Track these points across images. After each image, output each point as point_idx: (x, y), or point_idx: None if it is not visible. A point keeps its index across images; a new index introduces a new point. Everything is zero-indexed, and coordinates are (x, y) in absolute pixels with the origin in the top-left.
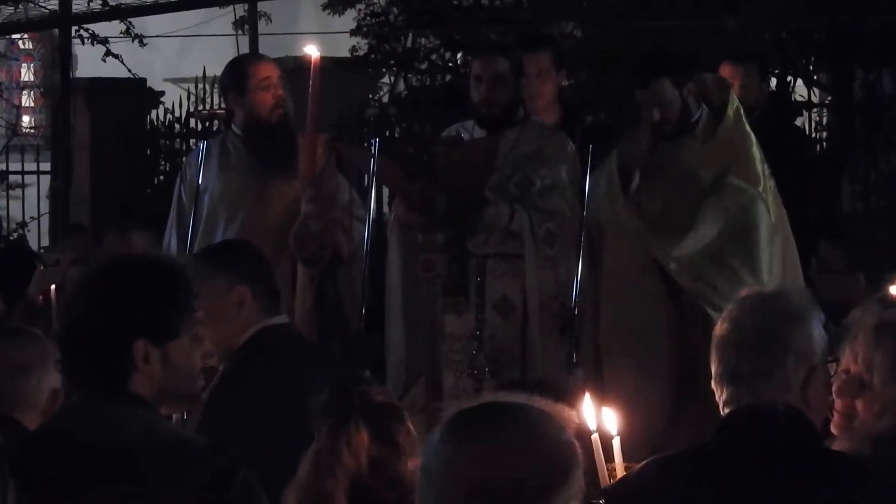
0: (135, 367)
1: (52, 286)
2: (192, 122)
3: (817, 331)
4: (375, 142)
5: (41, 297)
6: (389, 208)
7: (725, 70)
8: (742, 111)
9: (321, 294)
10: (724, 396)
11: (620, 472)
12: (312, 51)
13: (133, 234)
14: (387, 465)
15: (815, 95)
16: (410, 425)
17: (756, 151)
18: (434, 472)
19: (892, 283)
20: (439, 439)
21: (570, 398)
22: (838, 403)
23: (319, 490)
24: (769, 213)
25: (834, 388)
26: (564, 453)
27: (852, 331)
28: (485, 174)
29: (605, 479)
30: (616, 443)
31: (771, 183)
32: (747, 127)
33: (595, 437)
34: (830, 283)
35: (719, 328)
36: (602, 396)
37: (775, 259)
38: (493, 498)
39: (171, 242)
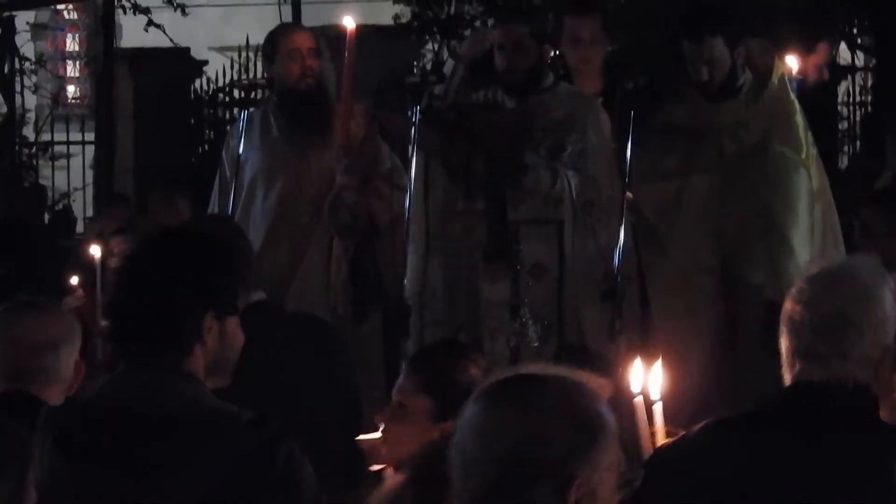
0: (200, 339)
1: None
2: (236, 91)
3: (890, 307)
4: (416, 110)
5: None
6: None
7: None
8: (787, 78)
9: (357, 264)
10: (797, 370)
11: (662, 436)
12: (349, 22)
13: (177, 197)
14: None
15: (859, 59)
16: None
17: (800, 118)
18: (463, 441)
19: None
20: (469, 409)
21: (612, 366)
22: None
23: None
24: (811, 181)
25: None
26: (593, 421)
27: None
28: (524, 139)
29: (647, 444)
30: (658, 407)
31: (814, 150)
32: (792, 94)
33: (638, 400)
34: (873, 247)
35: (791, 308)
36: (648, 360)
37: (817, 227)
38: (519, 464)
39: (213, 211)
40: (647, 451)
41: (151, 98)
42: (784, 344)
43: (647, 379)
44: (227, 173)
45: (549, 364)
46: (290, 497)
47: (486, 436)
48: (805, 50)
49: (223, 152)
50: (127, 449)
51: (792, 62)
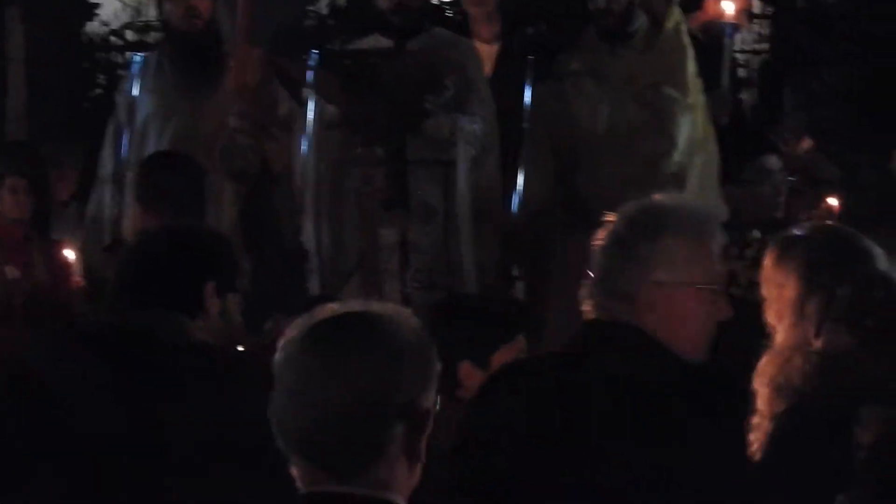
0: (202, 308)
1: None
2: (129, 33)
3: (680, 248)
4: (314, 55)
5: None
6: None
7: None
8: (683, 25)
9: (251, 209)
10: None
11: None
12: None
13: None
14: None
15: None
16: None
17: (691, 65)
18: (295, 386)
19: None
20: (300, 350)
21: (509, 313)
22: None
23: None
24: (696, 128)
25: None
26: (426, 352)
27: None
28: (425, 85)
29: None
30: None
31: (702, 98)
32: (686, 40)
33: None
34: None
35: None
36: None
37: (693, 173)
38: (372, 408)
39: (107, 156)
40: None
41: (43, 42)
42: None
43: None
44: (122, 117)
45: (362, 300)
46: None
47: (310, 383)
48: None
49: (118, 96)
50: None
51: (728, 6)
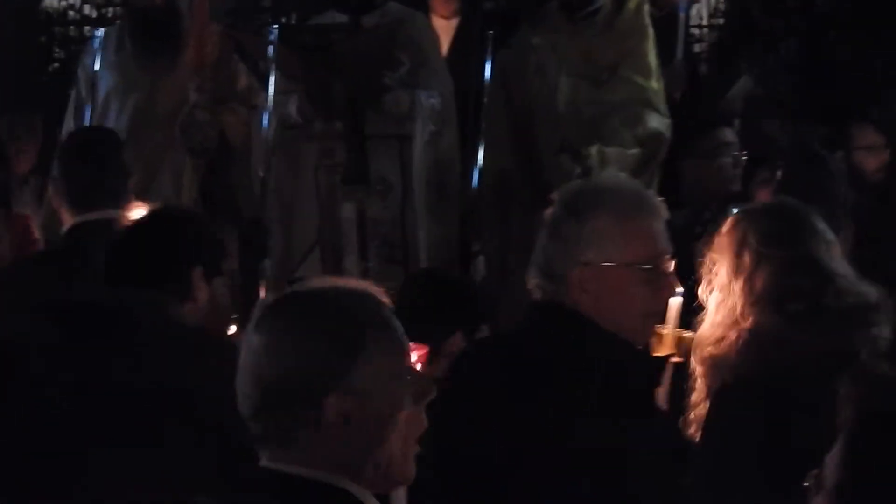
0: (190, 293)
1: None
2: (87, 8)
3: (609, 227)
4: (273, 30)
5: None
6: None
7: None
8: (646, 6)
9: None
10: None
11: None
12: None
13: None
14: None
15: None
16: None
17: (651, 47)
18: (242, 362)
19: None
20: (250, 328)
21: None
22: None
23: None
24: (658, 114)
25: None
26: (353, 338)
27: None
28: (384, 61)
29: None
30: None
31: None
32: (647, 21)
33: None
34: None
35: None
36: None
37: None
38: (276, 388)
39: (67, 131)
40: None
41: (1, 15)
42: None
43: None
44: (83, 92)
45: (329, 278)
46: None
47: (251, 360)
48: None
49: (79, 70)
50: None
51: None
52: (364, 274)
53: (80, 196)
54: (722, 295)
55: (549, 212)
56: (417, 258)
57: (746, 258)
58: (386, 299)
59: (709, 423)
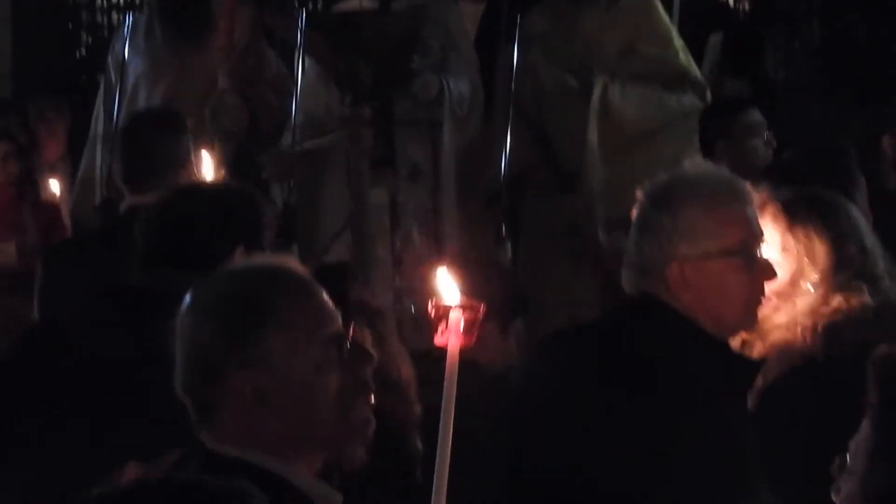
0: None
1: None
2: None
3: (699, 218)
4: (302, 14)
5: None
6: None
7: None
8: None
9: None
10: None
11: None
12: None
13: (56, 109)
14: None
15: None
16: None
17: (662, 15)
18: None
19: None
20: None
21: (498, 272)
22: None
23: None
24: (689, 87)
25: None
26: (251, 313)
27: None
28: (412, 45)
29: None
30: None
31: (680, 43)
32: None
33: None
34: None
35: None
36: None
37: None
38: (193, 366)
39: (98, 116)
40: None
41: (28, 2)
42: None
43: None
44: (112, 77)
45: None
46: None
47: (176, 342)
48: None
49: (108, 56)
50: None
51: None
52: (397, 260)
53: (134, 178)
54: (805, 280)
55: (637, 207)
56: (449, 243)
57: (841, 247)
58: (301, 269)
59: (771, 401)
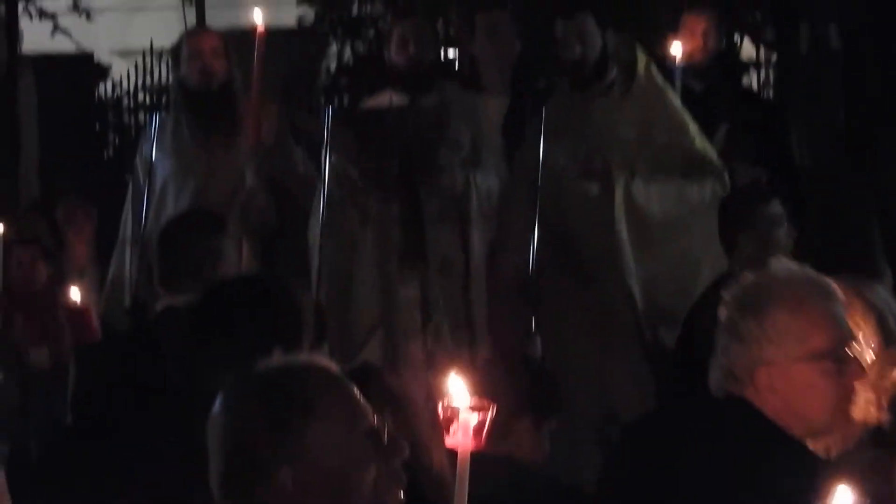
0: None
1: None
2: (142, 95)
3: (785, 322)
4: (328, 110)
5: None
6: None
7: (689, 19)
8: (653, 66)
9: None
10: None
11: None
12: (258, 17)
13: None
14: None
15: (762, 54)
16: None
17: (673, 100)
18: None
19: None
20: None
21: (530, 369)
22: None
23: None
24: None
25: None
26: (294, 412)
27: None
28: (439, 140)
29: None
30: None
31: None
32: (660, 79)
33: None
34: None
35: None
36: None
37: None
38: (236, 460)
39: (127, 218)
40: None
41: (56, 104)
42: None
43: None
44: (140, 179)
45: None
46: None
47: (214, 435)
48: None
49: (136, 158)
50: None
51: (676, 48)
52: (429, 357)
53: (172, 279)
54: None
55: (723, 311)
56: (477, 339)
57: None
58: (334, 367)
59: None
